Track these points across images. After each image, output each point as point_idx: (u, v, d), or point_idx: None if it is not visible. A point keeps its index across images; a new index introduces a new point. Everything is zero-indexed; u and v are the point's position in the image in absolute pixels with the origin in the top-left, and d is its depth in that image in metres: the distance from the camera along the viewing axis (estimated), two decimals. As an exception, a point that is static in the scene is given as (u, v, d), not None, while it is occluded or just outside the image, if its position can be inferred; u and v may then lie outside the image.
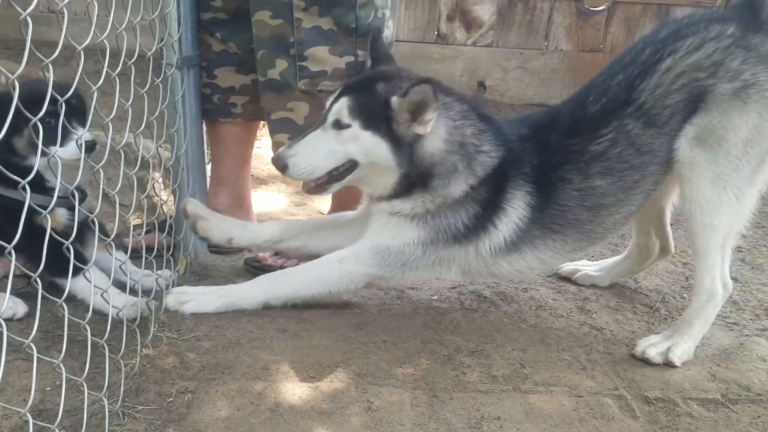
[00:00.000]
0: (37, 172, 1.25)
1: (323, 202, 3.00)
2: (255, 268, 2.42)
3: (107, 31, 1.46)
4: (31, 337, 1.21)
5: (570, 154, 2.02)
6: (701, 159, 1.94)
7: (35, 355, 1.22)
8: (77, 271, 1.51)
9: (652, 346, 2.03)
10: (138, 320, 1.81)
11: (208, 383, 1.71)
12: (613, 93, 2.01)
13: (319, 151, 1.91)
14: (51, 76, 1.23)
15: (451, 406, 1.73)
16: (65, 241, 1.34)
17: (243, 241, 2.17)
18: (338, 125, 1.91)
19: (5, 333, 1.12)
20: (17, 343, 1.63)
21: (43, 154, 1.72)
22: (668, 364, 2.00)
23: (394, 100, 1.86)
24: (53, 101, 1.23)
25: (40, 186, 1.75)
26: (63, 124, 1.54)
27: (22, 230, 1.15)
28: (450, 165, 1.97)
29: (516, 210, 2.01)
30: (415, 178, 1.97)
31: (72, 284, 1.58)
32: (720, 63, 1.91)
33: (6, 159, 1.26)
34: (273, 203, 3.11)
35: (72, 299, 1.75)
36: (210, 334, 1.95)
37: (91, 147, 1.72)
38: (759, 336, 2.25)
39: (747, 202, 1.99)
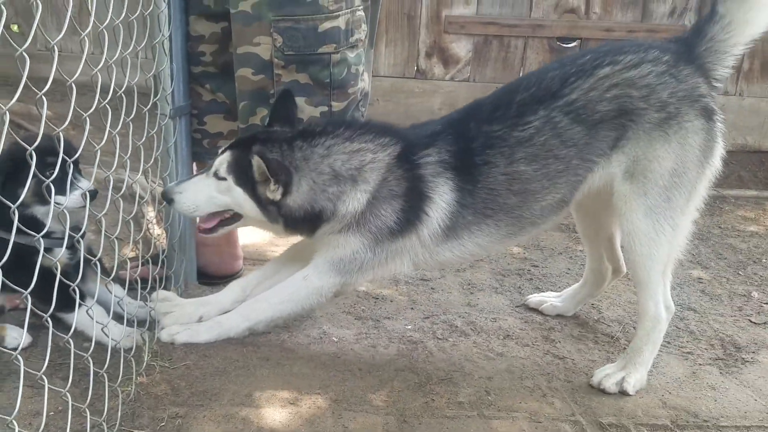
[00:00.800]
0: (40, 219, 1.42)
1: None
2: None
3: (111, 92, 1.65)
4: (42, 370, 1.37)
5: (493, 140, 2.09)
6: (632, 191, 2.10)
7: (46, 386, 1.38)
8: (79, 306, 1.69)
9: (607, 377, 2.19)
10: (133, 350, 1.97)
11: (197, 409, 1.87)
12: (545, 85, 2.10)
13: (200, 194, 2.14)
14: (62, 138, 1.41)
15: (419, 431, 1.89)
16: (71, 283, 1.51)
17: (213, 314, 2.30)
18: (217, 176, 2.12)
19: (22, 367, 1.29)
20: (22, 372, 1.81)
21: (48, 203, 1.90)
22: (623, 393, 2.16)
23: (253, 163, 2.02)
24: (56, 156, 1.40)
25: (39, 230, 1.90)
26: (69, 177, 1.71)
27: (25, 269, 1.32)
28: (330, 199, 2.10)
29: (442, 195, 2.12)
30: (301, 221, 2.13)
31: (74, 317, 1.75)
32: (653, 89, 2.06)
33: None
34: (257, 234, 3.25)
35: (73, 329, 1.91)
36: (199, 363, 2.11)
37: (93, 195, 1.90)
38: (711, 365, 2.41)
39: (682, 230, 2.15)
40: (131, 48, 1.85)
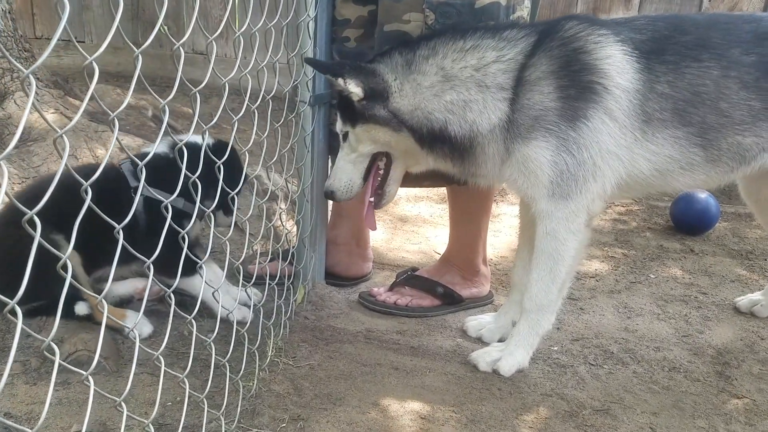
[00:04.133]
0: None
1: (437, 240, 2.97)
2: (368, 302, 2.42)
3: (249, 67, 1.56)
4: (160, 350, 1.25)
5: (710, 43, 1.86)
6: None
7: (162, 367, 1.26)
8: (192, 269, 1.62)
9: None
10: (257, 344, 1.84)
11: (320, 413, 1.70)
12: (764, 27, 1.91)
13: (345, 166, 2.04)
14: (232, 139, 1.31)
15: (573, 467, 1.60)
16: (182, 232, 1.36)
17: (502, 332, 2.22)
18: (344, 137, 2.02)
19: (137, 345, 1.17)
20: (143, 358, 1.73)
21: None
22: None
23: (340, 84, 1.88)
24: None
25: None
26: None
27: (151, 231, 1.22)
28: (450, 110, 1.85)
29: (621, 72, 1.80)
30: (428, 138, 1.90)
31: (187, 283, 1.69)
32: None
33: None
34: (381, 237, 3.10)
35: (197, 319, 1.82)
36: (323, 364, 1.95)
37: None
38: None
39: None
40: (280, 54, 1.83)
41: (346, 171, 2.03)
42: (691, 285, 2.76)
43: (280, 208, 2.33)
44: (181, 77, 1.19)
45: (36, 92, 2.76)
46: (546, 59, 1.82)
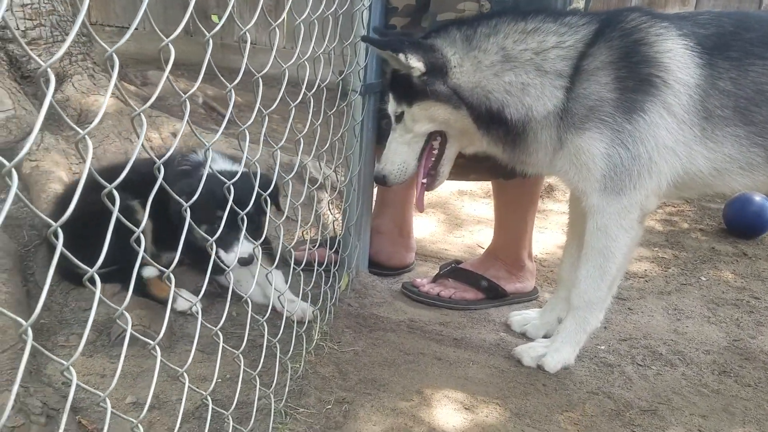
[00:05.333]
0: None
1: (481, 234, 2.95)
2: (411, 293, 2.43)
3: (307, 55, 1.58)
4: (219, 326, 1.28)
5: None
6: None
7: (221, 343, 1.29)
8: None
9: None
10: (304, 327, 1.86)
11: (364, 397, 1.71)
12: None
13: (399, 148, 1.98)
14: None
15: (619, 465, 1.57)
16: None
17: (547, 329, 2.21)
18: (398, 118, 1.97)
19: (200, 320, 1.21)
20: (194, 335, 1.77)
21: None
22: None
23: (400, 60, 1.84)
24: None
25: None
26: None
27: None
28: (509, 91, 1.81)
29: (681, 67, 1.74)
30: (487, 119, 1.85)
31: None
32: None
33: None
34: (424, 231, 3.09)
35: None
36: (367, 350, 1.96)
37: (247, 262, 1.86)
38: None
39: None
40: (336, 42, 1.83)
41: (400, 153, 1.99)
42: (744, 289, 2.68)
43: (327, 195, 2.35)
44: (242, 65, 1.21)
45: (93, 76, 2.82)
46: (606, 49, 1.77)
